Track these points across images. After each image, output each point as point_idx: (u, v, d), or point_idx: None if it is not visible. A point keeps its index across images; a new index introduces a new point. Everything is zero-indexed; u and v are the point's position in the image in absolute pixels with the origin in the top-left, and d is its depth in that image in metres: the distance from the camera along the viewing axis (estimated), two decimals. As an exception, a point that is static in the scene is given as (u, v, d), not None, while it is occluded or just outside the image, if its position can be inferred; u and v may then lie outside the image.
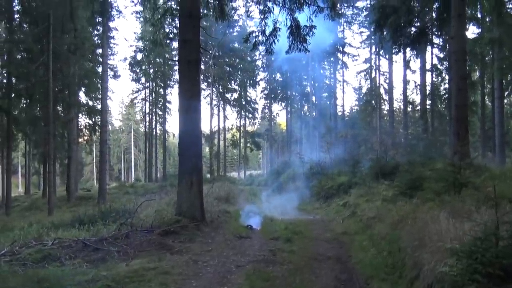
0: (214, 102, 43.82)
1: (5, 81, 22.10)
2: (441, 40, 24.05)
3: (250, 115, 47.89)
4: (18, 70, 21.42)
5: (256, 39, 11.89)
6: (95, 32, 28.99)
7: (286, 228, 9.88)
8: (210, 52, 37.23)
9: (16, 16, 23.34)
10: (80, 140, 32.75)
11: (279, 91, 45.14)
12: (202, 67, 38.05)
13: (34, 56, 21.80)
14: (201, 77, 35.31)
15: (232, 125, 48.37)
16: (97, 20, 26.09)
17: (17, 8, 22.90)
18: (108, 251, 6.95)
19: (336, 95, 44.84)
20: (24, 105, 24.27)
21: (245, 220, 10.79)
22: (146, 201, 12.23)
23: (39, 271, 5.60)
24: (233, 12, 36.24)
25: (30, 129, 24.79)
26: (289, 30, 11.52)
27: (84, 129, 30.65)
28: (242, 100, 45.19)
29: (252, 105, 47.32)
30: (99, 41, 28.37)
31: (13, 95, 22.13)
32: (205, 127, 47.29)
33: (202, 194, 9.81)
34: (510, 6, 19.70)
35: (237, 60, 43.18)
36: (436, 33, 19.81)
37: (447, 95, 24.39)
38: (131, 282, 5.29)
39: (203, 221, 9.27)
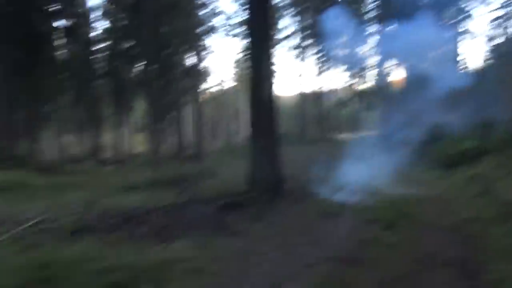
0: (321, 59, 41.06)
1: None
2: None
3: (361, 73, 43.91)
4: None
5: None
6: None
7: (390, 207, 7.54)
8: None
9: None
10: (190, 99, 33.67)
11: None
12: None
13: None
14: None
15: (341, 84, 45.18)
16: None
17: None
18: (151, 226, 5.69)
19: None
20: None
21: (336, 191, 8.75)
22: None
23: (47, 253, 4.48)
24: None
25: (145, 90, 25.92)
26: None
27: (192, 89, 31.27)
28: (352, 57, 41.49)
29: (362, 63, 43.21)
30: None
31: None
32: (311, 87, 44.90)
33: (280, 159, 8.04)
34: None
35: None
36: None
37: None
38: (148, 279, 3.83)
39: (279, 193, 7.53)
